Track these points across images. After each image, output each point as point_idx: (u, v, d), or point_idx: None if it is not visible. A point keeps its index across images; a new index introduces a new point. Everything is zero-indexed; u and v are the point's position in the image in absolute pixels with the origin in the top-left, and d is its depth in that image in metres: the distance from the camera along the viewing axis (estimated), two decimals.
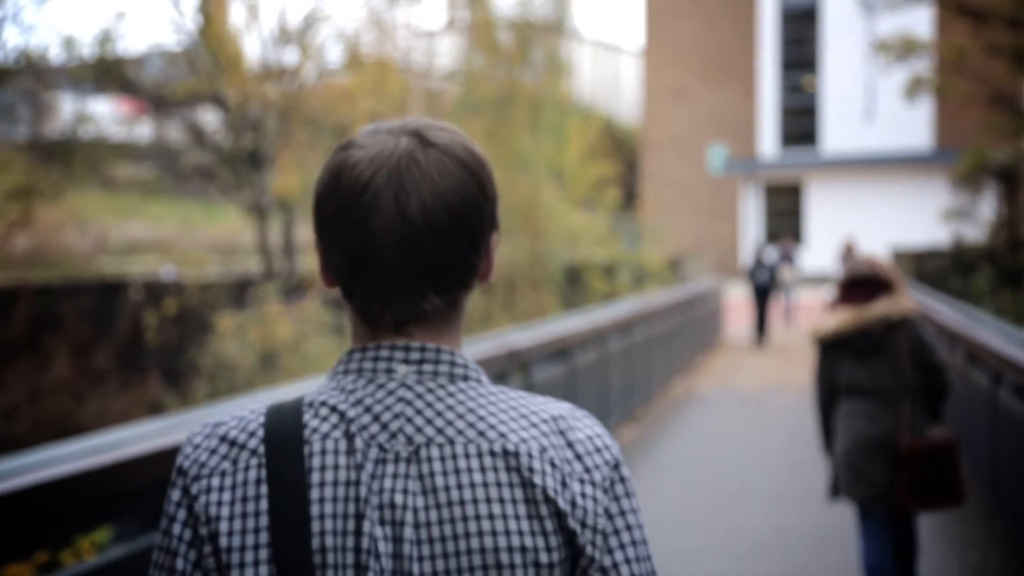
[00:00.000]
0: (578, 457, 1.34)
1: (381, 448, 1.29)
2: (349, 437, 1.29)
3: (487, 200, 1.36)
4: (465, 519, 1.27)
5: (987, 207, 27.68)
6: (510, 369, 8.09)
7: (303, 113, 19.06)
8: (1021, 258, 21.23)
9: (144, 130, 25.89)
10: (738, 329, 22.28)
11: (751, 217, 41.52)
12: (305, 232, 19.56)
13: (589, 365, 10.37)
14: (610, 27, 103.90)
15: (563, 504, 1.30)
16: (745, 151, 41.76)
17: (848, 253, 22.67)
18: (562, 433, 1.35)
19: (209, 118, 22.08)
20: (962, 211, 23.23)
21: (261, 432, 1.32)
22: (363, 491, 1.27)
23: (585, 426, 1.38)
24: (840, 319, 5.24)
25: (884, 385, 5.18)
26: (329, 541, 1.26)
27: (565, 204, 20.95)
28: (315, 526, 1.26)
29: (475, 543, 1.27)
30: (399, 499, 1.27)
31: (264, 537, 1.27)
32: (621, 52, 55.33)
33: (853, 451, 5.22)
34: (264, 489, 1.28)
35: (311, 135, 18.77)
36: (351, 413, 1.30)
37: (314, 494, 1.27)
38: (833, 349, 5.33)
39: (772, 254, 22.45)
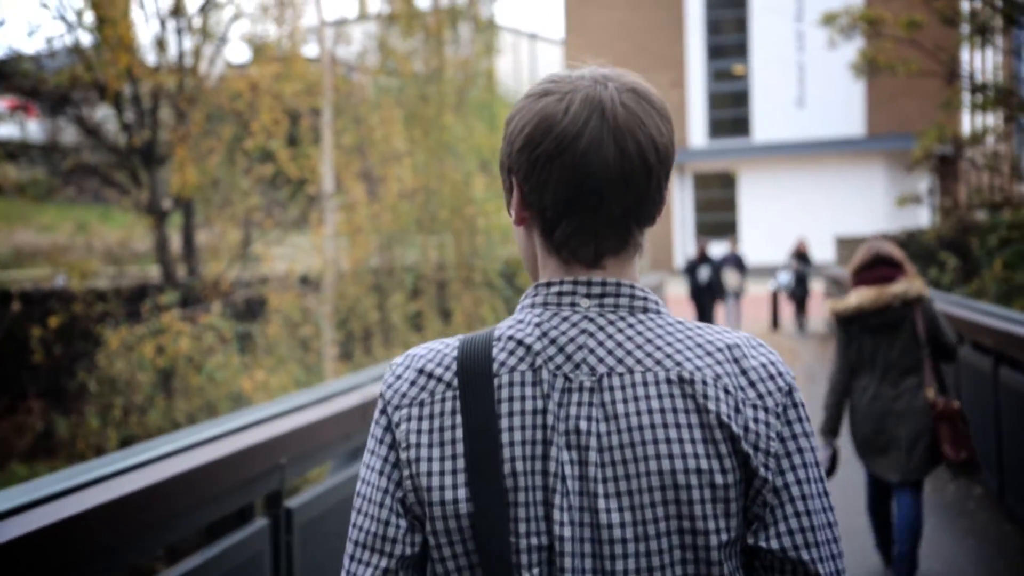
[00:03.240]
0: (751, 384, 1.41)
1: (566, 378, 1.38)
2: (535, 369, 1.39)
3: (674, 141, 1.46)
4: (644, 443, 1.35)
5: (926, 192, 26.79)
6: None
7: (203, 104, 17.10)
8: (977, 243, 20.11)
9: (34, 129, 23.67)
10: None
11: (683, 210, 40.24)
12: (206, 235, 17.63)
13: None
14: (529, 14, 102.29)
15: (736, 428, 1.37)
16: (675, 141, 40.40)
17: (801, 251, 21.59)
18: (736, 361, 1.42)
19: (103, 114, 20.05)
20: (916, 196, 22.09)
21: (455, 366, 1.41)
22: (550, 419, 1.37)
23: (759, 354, 1.44)
24: (861, 296, 5.61)
25: (900, 360, 5.59)
26: (519, 466, 1.36)
27: (498, 197, 19.27)
28: (506, 452, 1.36)
29: (654, 465, 1.34)
30: (583, 425, 1.36)
31: (460, 463, 1.37)
32: (541, 40, 53.82)
33: (872, 424, 5.66)
34: (459, 419, 1.39)
35: (210, 127, 16.80)
36: (537, 346, 1.40)
37: (504, 423, 1.37)
38: (853, 325, 5.71)
39: (716, 251, 20.93)
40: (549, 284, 1.44)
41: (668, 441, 1.35)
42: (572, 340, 1.39)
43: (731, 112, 40.75)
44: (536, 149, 1.40)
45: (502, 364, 1.39)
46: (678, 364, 1.38)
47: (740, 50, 40.61)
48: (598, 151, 1.37)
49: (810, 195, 38.44)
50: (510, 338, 1.41)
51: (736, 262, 20.07)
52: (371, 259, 16.79)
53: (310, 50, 18.23)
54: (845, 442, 7.62)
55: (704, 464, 1.35)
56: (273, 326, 15.53)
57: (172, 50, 18.16)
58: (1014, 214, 18.78)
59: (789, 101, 39.40)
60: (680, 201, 40.31)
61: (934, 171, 24.94)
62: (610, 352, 1.39)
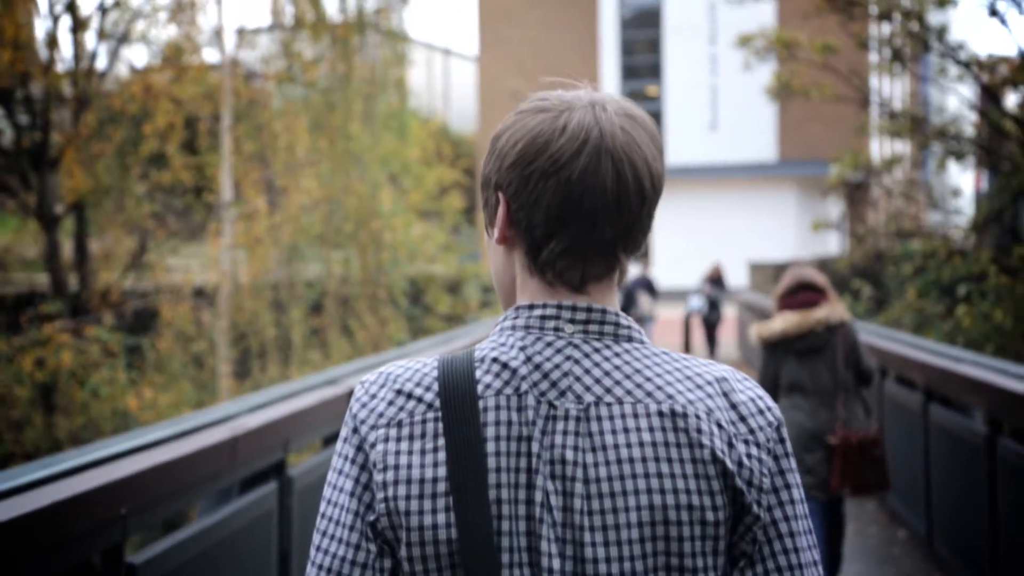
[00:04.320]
0: (742, 419, 1.39)
1: (551, 405, 1.34)
2: (520, 394, 1.34)
3: (664, 169, 1.43)
4: (634, 476, 1.32)
5: (839, 218, 26.82)
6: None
7: (95, 105, 16.20)
8: (891, 272, 20.07)
9: None
10: None
11: None
12: (100, 243, 16.69)
13: None
14: (443, 30, 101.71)
15: (730, 464, 1.34)
16: None
17: (715, 276, 21.30)
18: (726, 395, 1.40)
19: None
20: (832, 222, 22.03)
21: (435, 386, 1.37)
22: (535, 447, 1.32)
23: (747, 388, 1.43)
24: (786, 321, 5.81)
25: (822, 383, 5.82)
26: (504, 493, 1.32)
27: (406, 212, 18.63)
28: (491, 478, 1.31)
29: (644, 500, 1.32)
30: (569, 455, 1.32)
31: (441, 487, 1.32)
32: (455, 56, 53.34)
33: (793, 443, 5.75)
34: (441, 442, 1.33)
35: (102, 129, 15.86)
36: (522, 370, 1.36)
37: (490, 447, 1.33)
38: (777, 349, 5.92)
39: (631, 273, 20.43)
40: (531, 306, 1.41)
41: (660, 475, 1.33)
42: (557, 366, 1.37)
43: None
44: (530, 165, 1.37)
45: (487, 386, 1.35)
46: (670, 397, 1.37)
47: (654, 71, 40.58)
48: (595, 173, 1.35)
49: (722, 219, 38.43)
50: (494, 360, 1.37)
51: (647, 286, 19.58)
52: (271, 273, 15.99)
53: (211, 55, 17.42)
54: None
55: (696, 500, 1.33)
56: (165, 340, 14.69)
57: (67, 50, 17.26)
58: (924, 243, 18.78)
59: (702, 124, 39.43)
60: None
61: (846, 198, 24.95)
62: (597, 381, 1.37)
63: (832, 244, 34.48)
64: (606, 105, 1.40)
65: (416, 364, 1.42)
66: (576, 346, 1.38)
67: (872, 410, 6.09)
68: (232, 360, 15.09)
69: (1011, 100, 16.36)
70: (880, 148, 27.71)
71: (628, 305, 17.95)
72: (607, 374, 1.37)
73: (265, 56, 17.64)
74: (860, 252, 22.41)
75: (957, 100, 22.27)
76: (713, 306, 20.67)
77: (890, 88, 25.04)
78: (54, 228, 17.18)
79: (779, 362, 5.93)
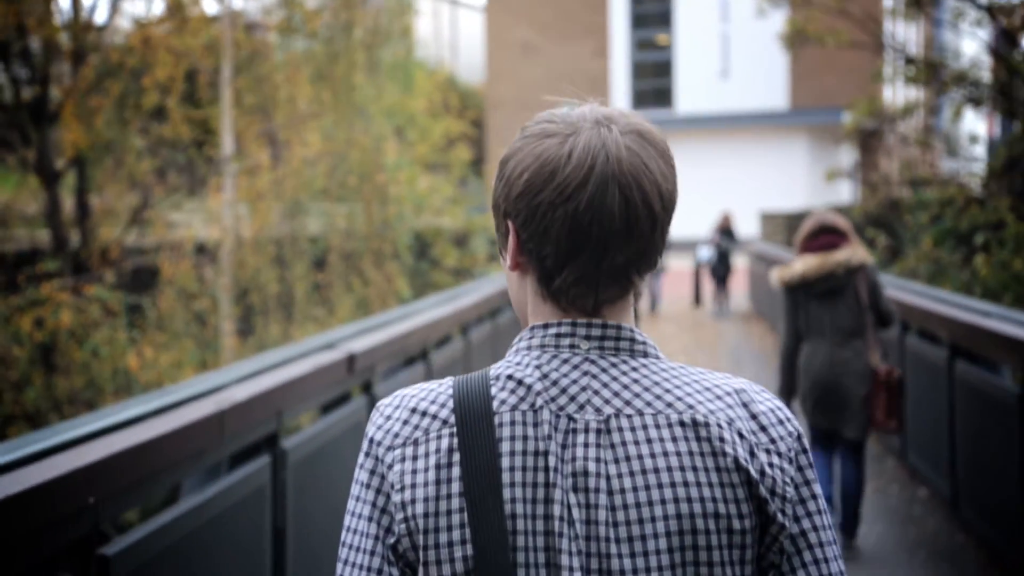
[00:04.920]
0: (763, 428, 1.38)
1: (570, 419, 1.34)
2: (536, 409, 1.35)
3: (677, 186, 1.41)
4: (660, 486, 1.31)
5: (852, 167, 26.44)
6: (348, 386, 5.57)
7: (93, 58, 15.80)
8: (908, 220, 19.71)
9: None
10: None
11: None
12: (102, 199, 16.36)
13: (452, 364, 7.93)
14: None
15: (753, 473, 1.33)
16: None
17: (725, 226, 20.93)
18: (745, 406, 1.39)
19: None
20: (844, 171, 21.64)
21: (450, 403, 1.38)
22: (552, 461, 1.32)
23: (765, 399, 1.42)
24: (806, 264, 5.85)
25: (844, 324, 5.88)
26: (519, 509, 1.31)
27: (411, 165, 18.22)
28: (506, 493, 1.31)
29: (670, 509, 1.30)
30: (592, 467, 1.31)
31: (456, 503, 1.32)
32: (462, 6, 52.62)
33: (818, 385, 5.97)
34: (456, 458, 1.33)
35: (100, 82, 15.46)
36: (537, 386, 1.36)
37: (505, 463, 1.32)
38: (799, 292, 5.98)
39: None
40: (546, 326, 1.41)
41: (685, 484, 1.32)
42: (575, 381, 1.37)
43: (654, 83, 40.12)
44: (537, 196, 1.35)
45: (502, 402, 1.36)
46: (691, 407, 1.37)
47: (664, 20, 39.96)
48: (603, 201, 1.33)
49: (732, 168, 37.97)
50: (509, 377, 1.38)
51: None
52: (273, 228, 15.63)
53: (212, 6, 16.96)
54: None
55: (722, 509, 1.32)
56: (166, 298, 14.39)
57: (65, 2, 16.85)
58: (940, 191, 18.41)
59: (713, 73, 38.86)
60: None
61: (859, 146, 24.57)
62: (616, 394, 1.37)
63: (844, 193, 34.07)
64: (612, 124, 1.37)
65: (431, 384, 1.43)
66: (593, 361, 1.38)
67: (888, 354, 6.31)
68: (235, 318, 14.81)
69: None
70: (893, 95, 27.20)
71: None
72: (626, 387, 1.36)
73: (266, 6, 17.20)
74: (874, 201, 22.06)
75: (974, 45, 21.81)
76: (723, 257, 20.31)
77: (904, 33, 24.49)
78: (55, 184, 16.85)
79: (800, 305, 6.00)
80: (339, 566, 1.37)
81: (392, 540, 1.34)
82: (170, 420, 3.48)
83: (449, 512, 1.31)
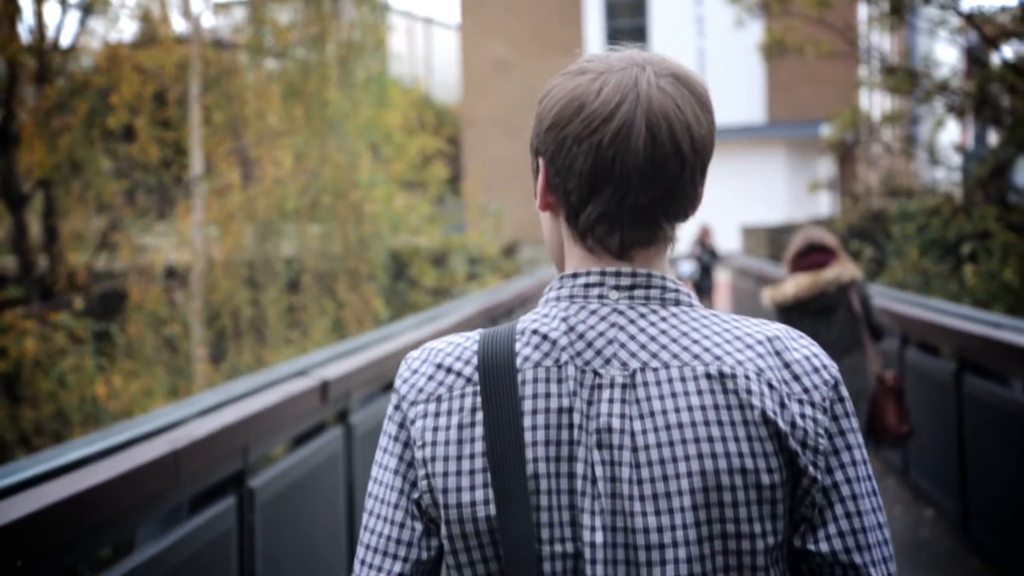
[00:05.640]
0: (796, 377, 1.34)
1: (596, 374, 1.32)
2: (560, 365, 1.32)
3: (714, 132, 1.38)
4: (684, 442, 1.28)
5: (833, 179, 26.25)
6: (322, 415, 5.18)
7: (62, 77, 15.37)
8: (888, 232, 19.51)
9: None
10: None
11: None
12: (69, 224, 15.86)
13: None
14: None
15: (783, 425, 1.30)
16: None
17: (704, 238, 20.58)
18: (778, 354, 1.35)
19: None
20: (826, 183, 21.45)
21: (475, 360, 1.35)
22: (576, 418, 1.30)
23: (801, 346, 1.38)
24: (798, 284, 5.85)
25: (837, 341, 5.81)
26: (542, 468, 1.29)
27: (387, 183, 17.81)
28: (528, 452, 1.29)
29: (695, 465, 1.27)
30: (616, 424, 1.29)
31: (479, 463, 1.31)
32: (436, 25, 52.38)
33: None
34: (479, 416, 1.32)
35: (66, 101, 14.99)
36: (563, 341, 1.33)
37: (527, 421, 1.30)
38: (792, 312, 5.93)
39: None
40: (575, 275, 1.38)
41: (710, 440, 1.28)
42: (601, 334, 1.33)
43: None
44: (564, 129, 1.35)
45: (526, 359, 1.33)
46: (718, 358, 1.32)
47: (639, 35, 39.74)
48: (628, 136, 1.31)
49: (712, 182, 36.74)
50: (534, 332, 1.35)
51: None
52: (245, 250, 15.17)
53: (181, 24, 16.49)
54: None
55: (749, 463, 1.28)
56: (135, 324, 13.92)
57: (29, 19, 16.37)
58: (920, 201, 18.20)
59: None
60: None
61: (838, 158, 24.39)
62: (643, 346, 1.33)
63: (824, 205, 33.93)
64: (648, 66, 1.36)
65: (459, 338, 1.40)
66: (621, 312, 1.35)
67: (887, 365, 6.30)
68: (207, 343, 14.35)
69: (1009, 53, 15.66)
70: (871, 105, 27.05)
71: None
72: (653, 339, 1.33)
73: (237, 24, 16.78)
74: (856, 212, 21.87)
75: (954, 53, 21.60)
76: (705, 271, 19.95)
77: (880, 43, 24.37)
78: (21, 208, 16.35)
79: (794, 324, 5.83)
80: (365, 516, 1.37)
81: (416, 495, 1.34)
82: (117, 463, 3.08)
83: (472, 472, 1.30)
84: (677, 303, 1.36)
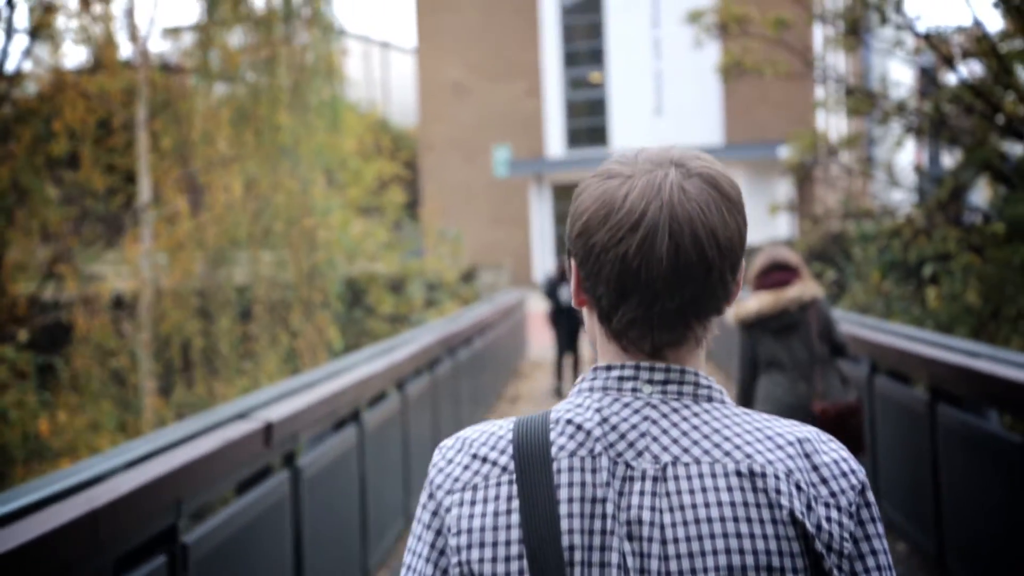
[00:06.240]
0: (824, 481, 1.35)
1: (628, 466, 1.33)
2: (595, 456, 1.34)
3: (745, 230, 1.39)
4: (712, 537, 1.29)
5: (792, 200, 26.19)
6: (267, 459, 4.86)
7: (10, 103, 14.93)
8: (847, 254, 19.42)
9: None
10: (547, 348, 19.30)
11: (541, 221, 39.07)
12: (12, 253, 15.38)
13: (388, 423, 7.26)
14: (380, 23, 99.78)
15: (810, 527, 1.31)
16: (532, 151, 39.29)
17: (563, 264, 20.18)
18: (807, 456, 1.36)
19: None
20: (786, 204, 21.37)
21: (510, 449, 1.38)
22: (609, 508, 1.32)
23: (831, 449, 1.39)
24: (761, 301, 5.93)
25: (798, 358, 5.94)
26: (577, 556, 1.30)
27: (343, 208, 17.46)
28: (564, 540, 1.31)
29: (723, 560, 1.28)
30: (646, 516, 1.31)
31: (515, 549, 1.32)
32: (393, 49, 52.11)
33: (788, 415, 5.82)
34: (515, 504, 1.34)
35: (10, 128, 14.52)
36: (596, 432, 1.35)
37: (563, 509, 1.32)
38: (754, 328, 6.04)
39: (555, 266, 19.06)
40: (609, 368, 1.41)
41: (739, 536, 1.29)
42: (634, 427, 1.36)
43: (588, 121, 39.75)
44: (592, 237, 1.37)
45: (561, 448, 1.35)
46: (748, 456, 1.33)
47: (596, 58, 39.68)
48: (652, 244, 1.33)
49: None
50: (568, 422, 1.37)
51: None
52: (195, 279, 14.74)
53: (127, 48, 16.07)
54: None
55: (775, 562, 1.29)
56: (81, 357, 13.47)
57: None
58: (880, 223, 18.13)
59: (647, 109, 38.59)
60: (539, 213, 39.11)
61: (797, 179, 24.34)
62: (675, 441, 1.35)
63: (783, 227, 33.92)
64: (675, 167, 1.37)
65: (492, 427, 1.43)
66: (654, 406, 1.37)
67: (849, 380, 6.15)
68: (156, 375, 13.91)
69: (966, 72, 15.62)
70: (827, 126, 27.07)
71: (554, 297, 16.54)
72: (685, 434, 1.35)
73: (185, 49, 16.39)
74: (816, 234, 21.79)
75: (909, 73, 21.61)
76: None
77: (835, 63, 24.40)
78: None
79: (756, 340, 6.06)
80: None
81: None
82: (26, 529, 2.76)
83: (508, 559, 1.32)
84: (709, 399, 1.38)
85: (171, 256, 14.44)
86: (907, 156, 30.36)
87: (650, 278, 1.32)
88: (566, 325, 15.50)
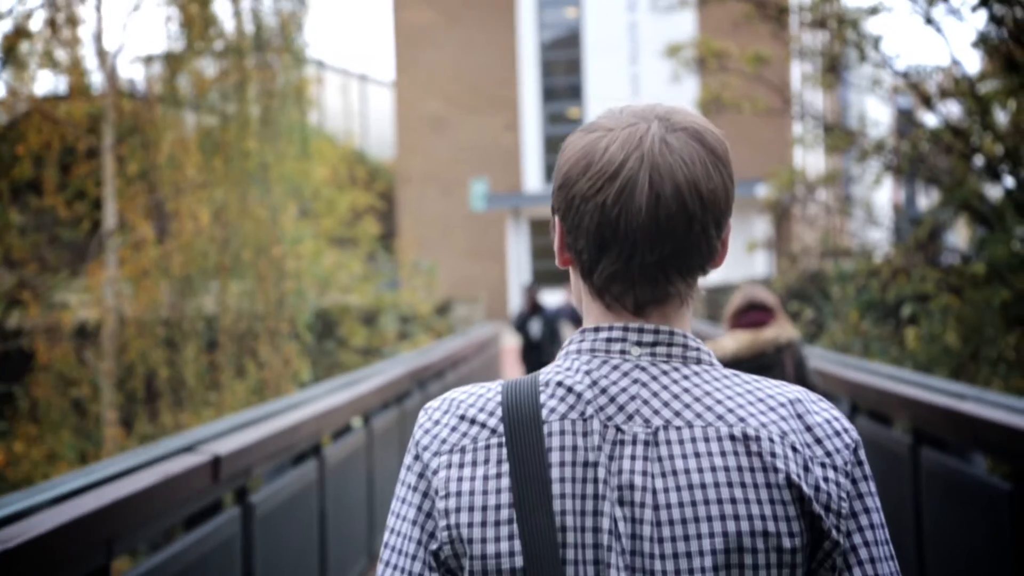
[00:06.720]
0: (818, 441, 1.34)
1: (618, 429, 1.31)
2: (585, 418, 1.32)
3: (731, 185, 1.37)
4: (707, 502, 1.27)
5: (770, 239, 26.13)
6: (215, 495, 4.58)
7: None
8: (825, 292, 19.31)
9: None
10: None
11: (518, 256, 38.90)
12: None
13: (351, 457, 6.98)
14: (358, 55, 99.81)
15: (807, 489, 1.30)
16: (510, 185, 39.19)
17: (532, 295, 19.67)
18: (800, 417, 1.35)
19: None
20: (764, 242, 21.29)
21: (499, 411, 1.35)
22: (601, 472, 1.29)
23: (822, 409, 1.38)
24: (738, 341, 5.83)
25: None
26: (569, 521, 1.28)
27: (315, 238, 17.19)
28: (556, 505, 1.28)
29: (717, 527, 1.27)
30: (638, 481, 1.29)
31: (505, 514, 1.29)
32: (371, 82, 52.01)
33: None
34: (505, 467, 1.31)
35: None
36: (587, 394, 1.33)
37: (554, 473, 1.29)
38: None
39: (552, 301, 18.58)
40: (597, 329, 1.38)
41: (733, 501, 1.28)
42: (624, 390, 1.33)
43: None
44: (572, 188, 1.35)
45: (552, 411, 1.32)
46: (741, 420, 1.32)
47: (575, 93, 39.72)
48: (631, 194, 1.31)
49: None
50: (559, 384, 1.34)
51: (572, 314, 17.92)
52: (161, 308, 14.41)
53: (95, 73, 15.75)
54: None
55: (771, 527, 1.28)
56: (40, 386, 13.11)
57: None
58: (860, 262, 18.04)
59: None
60: (515, 248, 38.96)
61: (774, 217, 24.28)
62: (666, 404, 1.32)
63: (760, 265, 33.88)
64: (659, 121, 1.35)
65: (480, 389, 1.40)
66: (643, 369, 1.34)
67: None
68: (119, 406, 13.56)
69: (943, 112, 15.57)
70: (804, 164, 27.07)
71: (550, 336, 16.22)
72: (676, 397, 1.33)
73: (154, 75, 16.11)
74: (793, 273, 21.69)
75: (886, 112, 21.59)
76: (550, 331, 18.95)
77: (813, 100, 24.43)
78: None
79: None
80: (379, 567, 1.36)
81: (435, 546, 1.32)
82: None
83: (498, 523, 1.29)
84: (699, 361, 1.37)
85: (136, 284, 14.12)
86: (884, 195, 30.44)
87: (629, 229, 1.30)
88: (536, 360, 15.22)
